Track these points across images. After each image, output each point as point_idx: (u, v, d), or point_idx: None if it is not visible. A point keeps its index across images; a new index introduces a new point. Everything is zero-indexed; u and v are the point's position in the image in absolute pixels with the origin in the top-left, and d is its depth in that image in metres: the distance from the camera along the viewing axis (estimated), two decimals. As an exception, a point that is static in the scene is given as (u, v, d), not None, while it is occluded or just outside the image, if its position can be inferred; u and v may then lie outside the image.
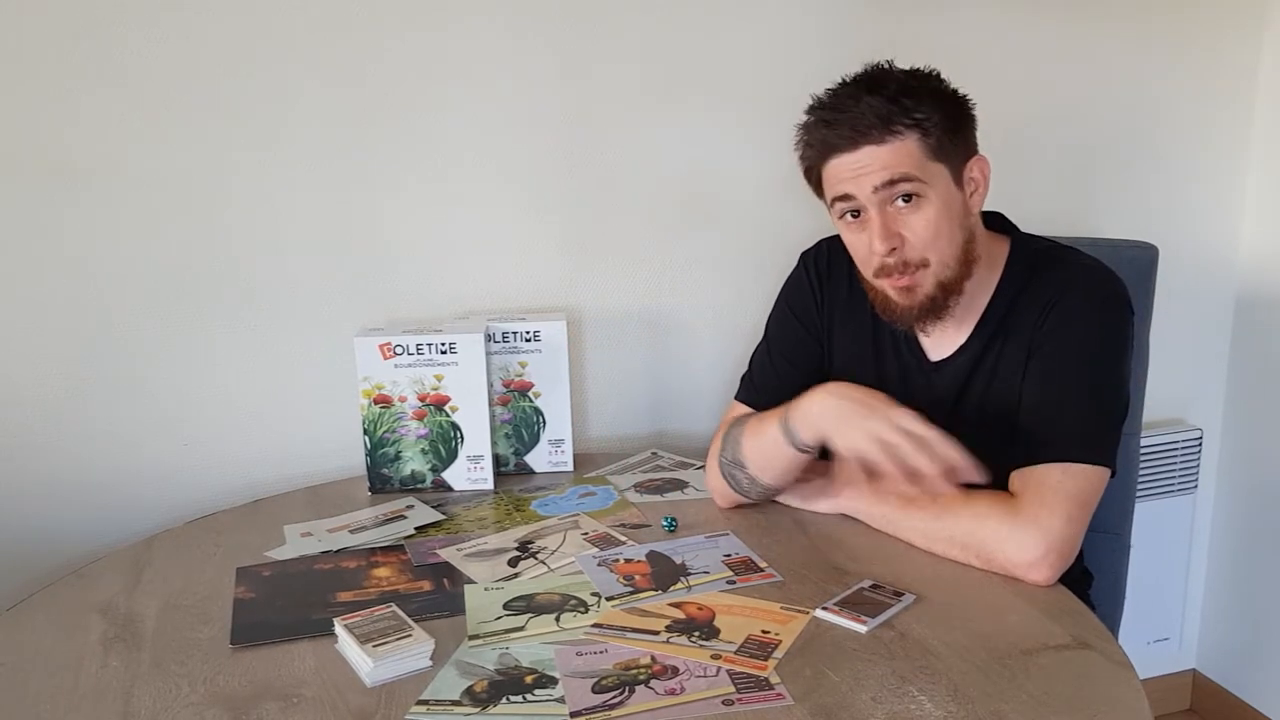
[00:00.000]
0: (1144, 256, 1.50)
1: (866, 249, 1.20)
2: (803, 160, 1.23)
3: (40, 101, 1.39)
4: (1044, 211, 1.73)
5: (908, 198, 1.16)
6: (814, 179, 1.24)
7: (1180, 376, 2.01)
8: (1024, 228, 1.31)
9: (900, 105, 1.15)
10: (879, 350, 1.33)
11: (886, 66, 1.20)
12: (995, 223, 1.30)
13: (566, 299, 1.65)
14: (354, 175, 1.53)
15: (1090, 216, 1.89)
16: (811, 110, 1.21)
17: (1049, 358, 1.21)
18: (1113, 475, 1.18)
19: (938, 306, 1.21)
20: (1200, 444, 1.99)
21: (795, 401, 1.22)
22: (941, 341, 1.29)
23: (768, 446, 1.26)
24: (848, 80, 1.20)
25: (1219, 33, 1.89)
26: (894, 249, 1.17)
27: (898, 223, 1.17)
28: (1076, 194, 1.88)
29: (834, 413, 1.17)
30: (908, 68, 1.20)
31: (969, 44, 1.74)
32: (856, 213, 1.19)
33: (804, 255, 1.41)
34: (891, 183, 1.15)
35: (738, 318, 1.72)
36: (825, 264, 1.38)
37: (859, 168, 1.16)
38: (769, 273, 1.57)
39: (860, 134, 1.15)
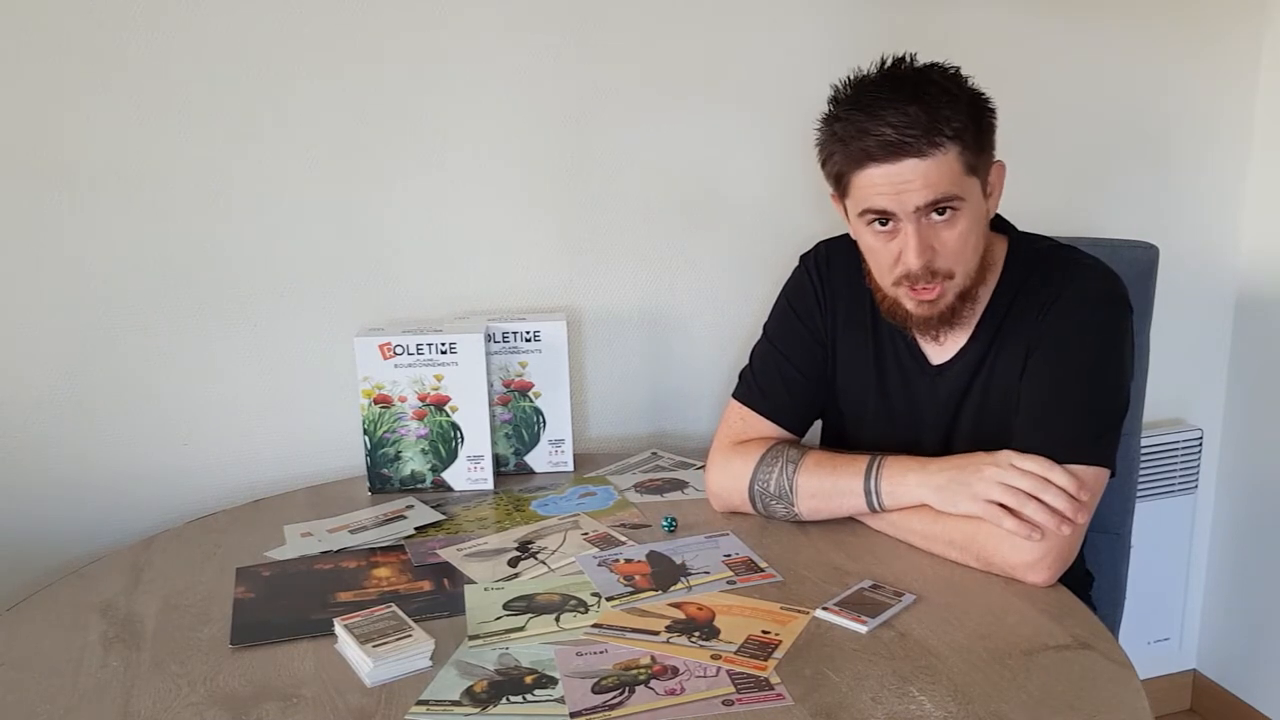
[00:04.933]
0: (1144, 256, 1.50)
1: (892, 259, 1.18)
2: (831, 163, 1.19)
3: (40, 102, 1.39)
4: (1044, 211, 1.73)
5: (942, 211, 1.15)
6: (841, 183, 1.20)
7: (1180, 376, 2.01)
8: (1024, 228, 1.31)
9: (943, 116, 1.11)
10: (879, 354, 1.33)
11: (909, 62, 1.17)
12: (992, 221, 1.30)
13: (566, 299, 1.65)
14: (354, 175, 1.52)
15: (1090, 216, 1.89)
16: (844, 110, 1.16)
17: (1047, 358, 1.21)
18: (1112, 475, 1.18)
19: (955, 315, 1.21)
20: (1200, 444, 1.98)
21: (883, 472, 1.21)
22: (943, 345, 1.29)
23: (839, 501, 1.24)
24: (879, 78, 1.16)
25: (1219, 33, 1.89)
26: (926, 261, 1.16)
27: (930, 235, 1.15)
28: (1076, 194, 1.88)
29: (933, 493, 1.17)
30: (928, 64, 1.17)
31: (970, 44, 1.73)
32: (885, 220, 1.17)
33: (804, 258, 1.41)
34: (934, 203, 1.13)
35: (738, 318, 1.72)
36: (826, 266, 1.37)
37: (900, 183, 1.12)
38: (770, 273, 1.57)
39: (903, 146, 1.11)
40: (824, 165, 1.22)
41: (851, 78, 1.19)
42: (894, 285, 1.20)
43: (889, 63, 1.18)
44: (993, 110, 1.19)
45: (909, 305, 1.21)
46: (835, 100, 1.19)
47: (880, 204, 1.15)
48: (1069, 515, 1.10)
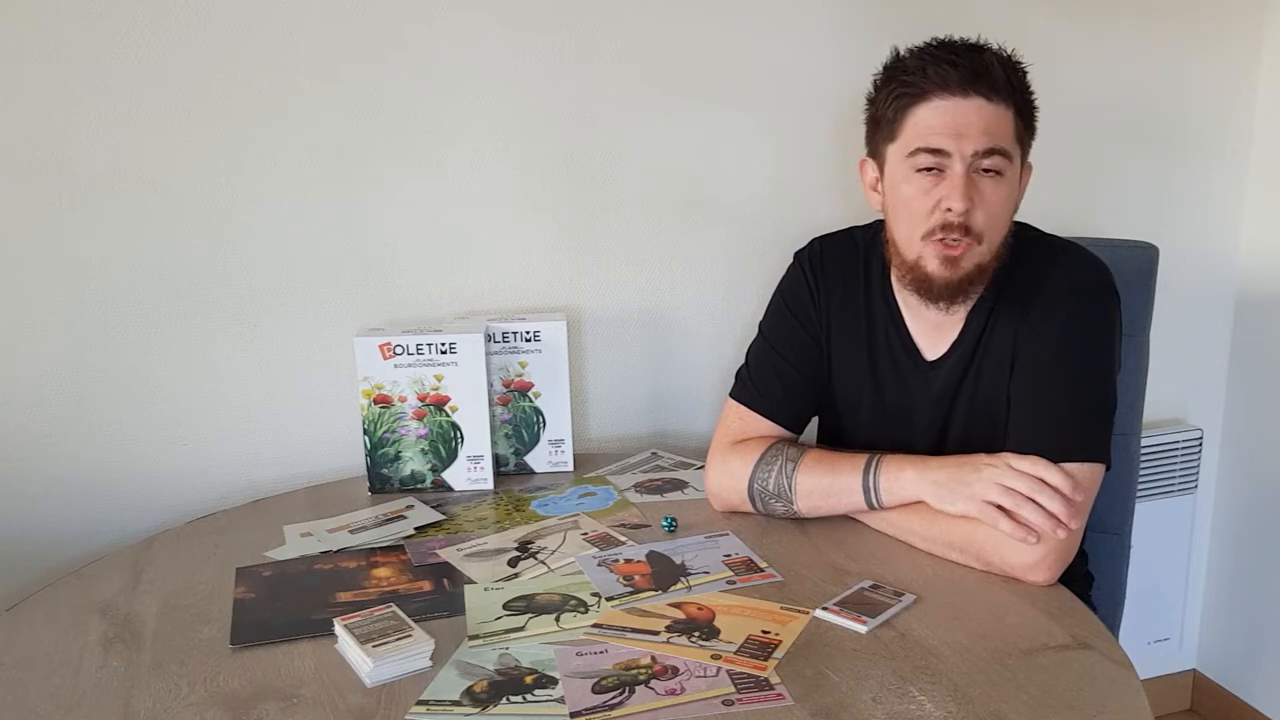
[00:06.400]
0: (1144, 256, 1.50)
1: (931, 204, 1.17)
2: (888, 102, 1.20)
3: (41, 101, 1.39)
4: (1044, 211, 1.73)
5: (990, 170, 1.16)
6: (892, 117, 1.20)
7: (1180, 376, 2.01)
8: (1024, 227, 1.32)
9: (1017, 77, 1.18)
10: (873, 350, 1.33)
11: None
12: None
13: (566, 299, 1.65)
14: (354, 175, 1.52)
15: (1090, 216, 1.89)
16: (918, 49, 1.20)
17: (1037, 353, 1.21)
18: (1107, 469, 1.18)
19: (971, 285, 1.20)
20: (1200, 444, 1.99)
21: (881, 468, 1.21)
22: (936, 340, 1.29)
23: (838, 498, 1.25)
24: (950, 40, 1.20)
25: (1219, 33, 1.89)
26: (967, 210, 1.16)
27: (975, 188, 1.16)
28: (1076, 194, 1.88)
29: (931, 489, 1.17)
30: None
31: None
32: (932, 167, 1.17)
33: (799, 254, 1.40)
34: (990, 151, 1.15)
35: (738, 317, 1.72)
36: (820, 263, 1.37)
37: (963, 122, 1.14)
38: (770, 272, 1.57)
39: (977, 80, 1.14)
40: (876, 108, 1.23)
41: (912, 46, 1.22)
42: (923, 239, 1.19)
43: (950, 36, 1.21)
44: (1036, 105, 1.22)
45: (932, 266, 1.19)
46: (899, 52, 1.22)
47: (937, 143, 1.16)
48: (1064, 519, 1.10)
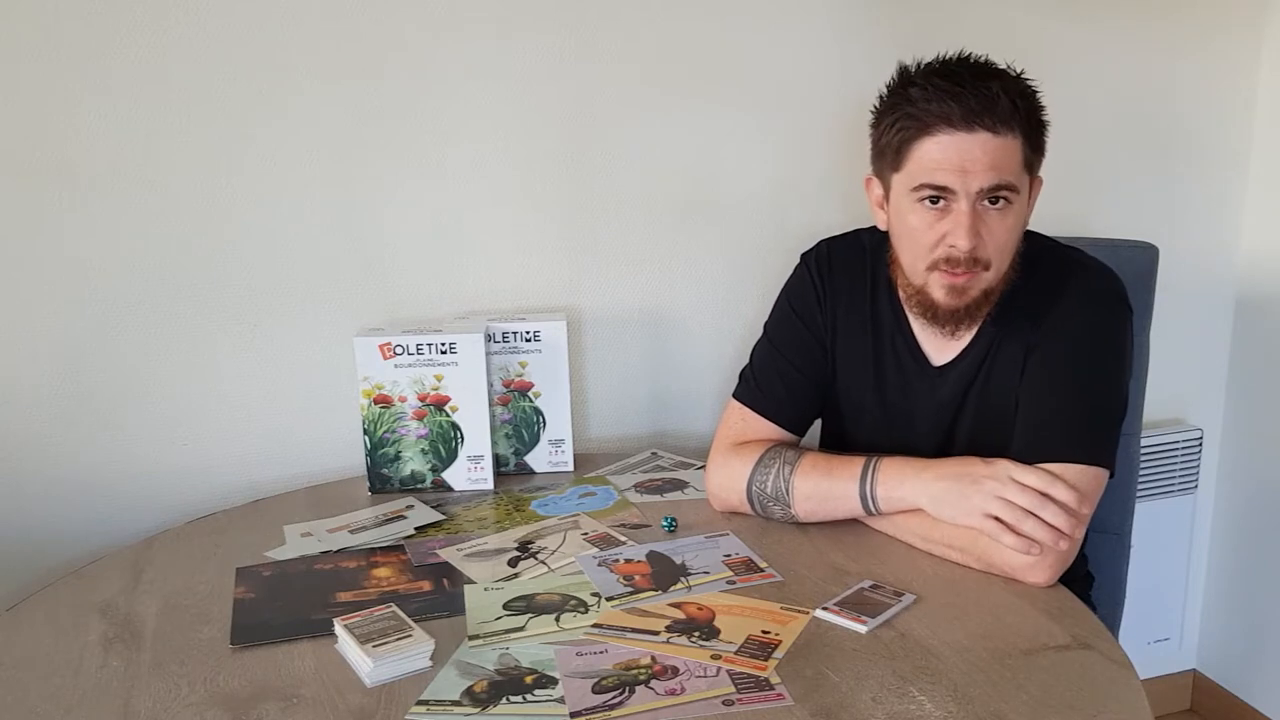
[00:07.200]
0: (1144, 256, 1.50)
1: (935, 239, 1.17)
2: (893, 130, 1.17)
3: (41, 101, 1.39)
4: (1044, 211, 1.73)
5: (996, 200, 1.15)
6: (899, 154, 1.18)
7: (1180, 376, 2.01)
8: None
9: (1018, 104, 1.14)
10: (879, 354, 1.32)
11: (983, 57, 1.18)
12: None
13: (566, 299, 1.65)
14: (354, 175, 1.52)
15: (1090, 216, 1.89)
16: (922, 77, 1.16)
17: (1047, 360, 1.21)
18: (1110, 476, 1.18)
19: (978, 309, 1.20)
20: (1200, 444, 1.99)
21: (879, 476, 1.21)
22: (944, 346, 1.28)
23: (835, 504, 1.24)
24: (958, 61, 1.17)
25: (1219, 33, 1.89)
26: (974, 246, 1.15)
27: (981, 221, 1.15)
28: (1076, 194, 1.88)
29: (929, 501, 1.17)
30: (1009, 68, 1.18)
31: (971, 44, 1.72)
32: (937, 199, 1.16)
33: (805, 256, 1.40)
34: (997, 187, 1.13)
35: (738, 318, 1.72)
36: (827, 265, 1.36)
37: (969, 159, 1.12)
38: (769, 273, 1.57)
39: (983, 114, 1.11)
40: (880, 134, 1.20)
41: (920, 61, 1.19)
42: (928, 269, 1.19)
43: (960, 54, 1.18)
44: (1047, 124, 1.20)
45: (938, 294, 1.19)
46: (905, 73, 1.19)
47: (942, 180, 1.14)
48: (1067, 531, 1.10)
